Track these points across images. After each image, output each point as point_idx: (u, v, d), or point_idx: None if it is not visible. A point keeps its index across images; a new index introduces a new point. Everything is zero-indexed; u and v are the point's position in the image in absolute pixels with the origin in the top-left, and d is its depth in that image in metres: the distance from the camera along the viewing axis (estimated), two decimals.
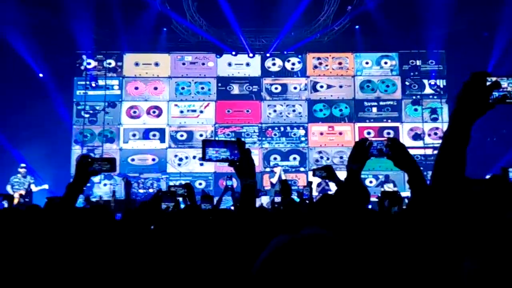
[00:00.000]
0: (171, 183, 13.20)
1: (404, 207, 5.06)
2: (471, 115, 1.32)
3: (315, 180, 11.48)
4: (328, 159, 13.85)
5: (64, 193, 2.30)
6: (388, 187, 12.41)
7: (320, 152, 13.96)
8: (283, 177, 11.96)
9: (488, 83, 1.33)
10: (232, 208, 7.78)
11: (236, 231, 1.90)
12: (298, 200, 6.02)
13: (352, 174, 2.20)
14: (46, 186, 11.09)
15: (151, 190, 13.14)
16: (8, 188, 10.86)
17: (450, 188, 1.33)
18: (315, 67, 14.40)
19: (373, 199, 8.66)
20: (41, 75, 13.40)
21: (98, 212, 2.32)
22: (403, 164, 2.04)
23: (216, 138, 13.51)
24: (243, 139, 11.62)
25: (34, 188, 11.00)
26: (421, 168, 1.99)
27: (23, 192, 10.68)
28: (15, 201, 9.74)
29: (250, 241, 1.95)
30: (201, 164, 13.56)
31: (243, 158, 2.01)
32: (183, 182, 13.11)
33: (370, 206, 7.37)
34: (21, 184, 10.98)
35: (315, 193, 10.90)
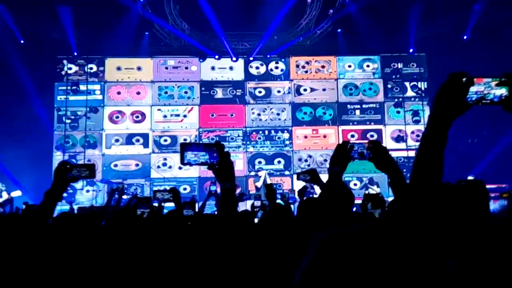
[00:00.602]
0: (155, 189, 13.09)
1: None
2: (449, 116, 1.32)
3: (300, 184, 11.48)
4: (312, 162, 13.88)
5: (42, 200, 2.24)
6: (373, 190, 12.49)
7: (305, 156, 13.98)
8: (268, 181, 11.95)
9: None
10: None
11: (217, 235, 1.88)
12: (282, 203, 6.01)
13: (334, 177, 2.19)
14: (19, 193, 10.78)
15: (132, 197, 12.99)
16: None
17: (428, 189, 1.33)
18: (298, 70, 14.46)
19: (358, 201, 8.71)
20: (21, 80, 13.15)
21: (84, 219, 2.27)
22: (384, 166, 2.05)
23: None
24: (227, 143, 11.58)
25: (5, 195, 10.67)
26: (404, 170, 2.00)
27: None
28: None
29: (233, 245, 1.92)
30: (180, 168, 13.45)
31: (222, 161, 1.98)
32: (168, 187, 13.00)
33: (354, 209, 7.40)
34: None
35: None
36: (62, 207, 11.64)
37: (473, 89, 1.35)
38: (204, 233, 2.15)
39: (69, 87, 13.72)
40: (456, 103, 1.31)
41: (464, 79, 1.33)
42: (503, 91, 1.34)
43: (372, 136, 14.06)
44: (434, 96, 1.37)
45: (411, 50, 14.22)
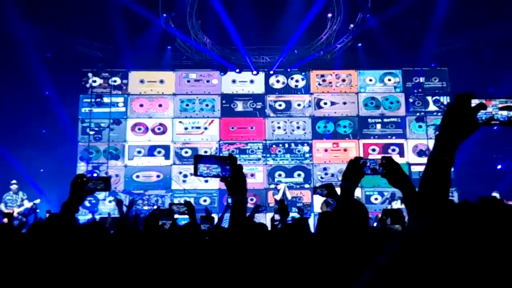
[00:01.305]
0: (171, 201, 13.22)
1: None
2: (456, 137, 1.33)
3: (319, 198, 11.43)
4: (332, 175, 13.82)
5: (59, 212, 2.32)
6: (396, 204, 12.32)
7: (324, 169, 13.93)
8: (288, 194, 11.94)
9: (473, 105, 1.34)
10: None
11: (229, 248, 1.90)
12: (298, 216, 5.99)
13: (346, 192, 2.20)
14: (38, 201, 11.03)
15: (155, 207, 13.12)
16: (2, 206, 10.77)
17: (434, 208, 1.35)
18: (319, 84, 14.47)
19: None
20: (46, 92, 13.54)
21: (93, 229, 2.33)
22: (397, 183, 2.05)
23: (221, 155, 13.54)
24: (247, 155, 11.63)
25: (27, 203, 10.91)
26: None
27: (18, 210, 10.57)
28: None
29: (244, 258, 1.95)
30: (206, 181, 13.54)
31: (234, 174, 2.00)
32: (183, 200, 13.12)
33: (375, 224, 7.33)
34: (13, 201, 10.89)
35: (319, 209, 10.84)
36: (85, 217, 11.88)
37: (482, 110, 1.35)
38: (218, 247, 2.18)
39: (93, 99, 14.02)
40: (464, 124, 1.32)
41: (472, 100, 1.34)
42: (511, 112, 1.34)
43: (393, 150, 13.94)
44: (442, 116, 1.38)
45: (433, 64, 14.11)
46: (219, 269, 1.91)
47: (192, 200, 13.23)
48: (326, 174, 13.88)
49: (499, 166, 13.25)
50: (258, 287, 1.94)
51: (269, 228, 5.16)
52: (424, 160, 13.63)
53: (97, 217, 11.87)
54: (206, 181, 13.51)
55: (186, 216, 4.07)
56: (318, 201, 11.68)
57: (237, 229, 1.90)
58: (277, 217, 5.79)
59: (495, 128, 1.40)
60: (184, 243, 2.08)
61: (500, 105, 1.35)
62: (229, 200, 6.03)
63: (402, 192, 2.02)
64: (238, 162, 2.03)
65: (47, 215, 7.73)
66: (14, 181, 11.14)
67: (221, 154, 13.67)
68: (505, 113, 1.35)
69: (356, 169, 2.20)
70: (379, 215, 7.89)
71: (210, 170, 2.00)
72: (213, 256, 2.05)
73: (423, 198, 1.36)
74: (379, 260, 0.79)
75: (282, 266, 2.14)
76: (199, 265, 1.98)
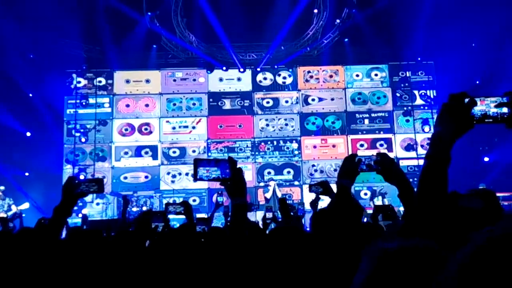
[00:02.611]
0: (165, 201, 13.11)
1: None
2: (452, 136, 1.33)
3: (312, 195, 11.42)
4: (322, 172, 13.82)
5: (51, 216, 2.23)
6: (378, 201, 12.35)
7: (313, 165, 13.93)
8: (278, 192, 11.90)
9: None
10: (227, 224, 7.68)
11: (228, 252, 1.85)
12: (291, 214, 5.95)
13: (342, 190, 2.18)
14: (27, 205, 10.80)
15: (144, 208, 13.00)
16: None
17: (434, 207, 1.34)
18: (306, 80, 14.46)
19: (369, 211, 8.62)
20: (30, 94, 13.31)
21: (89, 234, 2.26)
22: (393, 178, 2.05)
23: (209, 154, 13.47)
24: (236, 154, 11.56)
25: (14, 208, 10.68)
26: (414, 179, 2.01)
27: (4, 215, 10.32)
28: None
29: (244, 261, 1.89)
30: (195, 181, 13.42)
31: (234, 177, 1.98)
32: (177, 199, 12.97)
33: (365, 220, 7.32)
34: (0, 207, 10.69)
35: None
36: (74, 220, 11.72)
37: (476, 108, 1.36)
38: (215, 249, 2.13)
39: (78, 101, 13.81)
40: (459, 123, 1.32)
41: (466, 99, 1.34)
42: (504, 110, 1.35)
43: (381, 145, 13.99)
44: (437, 116, 1.38)
45: (419, 59, 14.18)
46: (217, 271, 1.85)
47: (180, 200, 13.18)
48: (315, 170, 13.88)
49: (486, 159, 13.37)
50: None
51: (261, 227, 5.11)
52: (412, 154, 13.73)
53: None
54: (195, 180, 13.37)
55: (182, 217, 4.00)
56: (309, 199, 11.67)
57: (239, 232, 1.86)
58: (268, 215, 5.74)
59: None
60: (180, 245, 2.02)
61: (493, 104, 1.36)
62: (219, 199, 5.96)
63: (397, 187, 2.01)
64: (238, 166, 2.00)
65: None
66: (1, 187, 10.90)
67: (209, 153, 13.60)
68: (498, 111, 1.36)
69: (351, 166, 2.17)
70: (367, 211, 7.90)
71: (210, 173, 1.97)
72: (211, 258, 2.00)
73: (422, 197, 1.35)
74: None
75: (279, 266, 2.09)
76: (197, 268, 1.92)
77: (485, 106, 1.36)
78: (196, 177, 1.99)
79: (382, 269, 0.91)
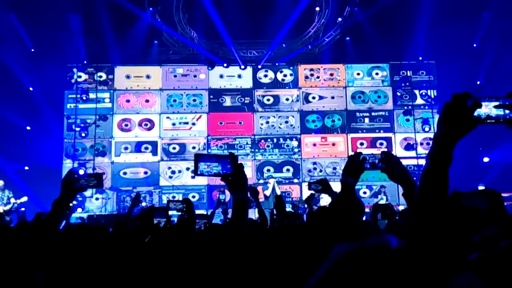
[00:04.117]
0: (165, 197, 13.12)
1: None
2: (454, 136, 1.33)
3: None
4: (321, 170, 13.83)
5: (50, 209, 2.23)
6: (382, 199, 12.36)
7: (313, 163, 13.93)
8: (277, 189, 11.90)
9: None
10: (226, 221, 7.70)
11: (228, 247, 1.86)
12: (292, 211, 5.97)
13: (347, 188, 2.17)
14: (25, 198, 10.78)
15: (143, 204, 13.00)
16: None
17: (434, 207, 1.35)
18: (307, 78, 14.45)
19: (367, 210, 8.63)
20: (31, 88, 13.31)
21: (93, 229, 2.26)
22: (397, 177, 2.05)
23: (209, 151, 13.47)
24: (236, 151, 11.56)
25: (13, 201, 10.67)
26: (414, 178, 2.00)
27: (4, 208, 10.30)
28: None
29: (245, 256, 1.90)
30: (193, 177, 13.41)
31: (235, 172, 1.98)
32: (176, 195, 12.94)
33: (364, 218, 7.34)
34: (0, 199, 10.66)
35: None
36: (79, 214, 11.76)
37: (479, 109, 1.36)
38: (216, 244, 2.13)
39: (78, 95, 13.79)
40: (462, 123, 1.32)
41: (469, 100, 1.34)
42: (506, 111, 1.35)
43: (381, 144, 13.99)
44: (439, 116, 1.38)
45: (420, 58, 14.17)
46: (217, 268, 1.86)
47: (180, 197, 13.18)
48: (315, 168, 13.88)
49: (486, 159, 13.37)
50: (255, 285, 1.90)
51: (269, 223, 5.14)
52: (412, 153, 13.73)
53: (85, 215, 11.74)
54: (193, 177, 13.41)
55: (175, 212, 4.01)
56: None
57: (240, 226, 1.87)
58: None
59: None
60: (180, 241, 2.02)
61: (495, 104, 1.36)
62: (221, 197, 5.97)
63: (402, 186, 2.00)
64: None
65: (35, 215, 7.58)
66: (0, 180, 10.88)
67: (209, 150, 13.61)
68: (500, 112, 1.36)
69: (356, 164, 2.17)
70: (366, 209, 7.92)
71: (211, 168, 1.98)
72: (210, 254, 2.01)
73: (423, 197, 1.36)
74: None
75: (279, 263, 2.09)
76: (197, 263, 1.93)
77: (488, 109, 1.36)
78: (196, 172, 2.00)
79: (335, 270, 0.92)
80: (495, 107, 1.35)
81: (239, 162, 2.02)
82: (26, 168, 13.07)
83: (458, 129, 1.33)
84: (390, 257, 0.93)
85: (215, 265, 1.91)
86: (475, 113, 1.33)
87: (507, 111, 1.35)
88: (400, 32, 13.08)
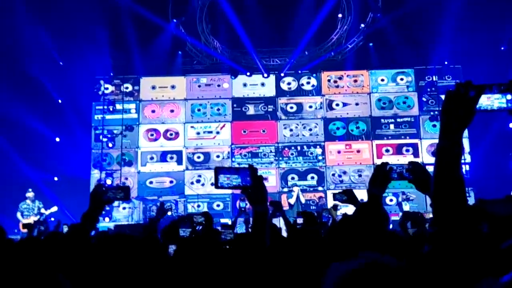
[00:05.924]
0: (190, 206, 13.22)
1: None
2: (460, 124, 1.30)
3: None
4: (342, 178, 13.69)
5: (79, 222, 2.29)
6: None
7: (338, 171, 13.81)
8: (302, 197, 11.85)
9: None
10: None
11: (249, 260, 1.87)
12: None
13: (374, 199, 2.16)
14: (55, 208, 10.94)
15: (169, 213, 13.11)
16: (18, 215, 10.59)
17: (453, 209, 1.31)
18: (330, 85, 14.38)
19: (393, 217, 8.49)
20: (59, 101, 13.68)
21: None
22: (425, 187, 2.01)
23: (233, 159, 13.53)
24: (259, 159, 11.54)
25: (43, 211, 10.83)
26: None
27: (35, 218, 10.49)
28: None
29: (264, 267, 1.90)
30: (216, 188, 13.42)
31: (255, 184, 1.99)
32: (201, 205, 13.00)
33: (391, 226, 7.22)
34: (30, 210, 10.79)
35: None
36: (106, 223, 11.96)
37: (481, 101, 1.35)
38: (240, 256, 2.14)
39: (105, 106, 14.07)
40: (466, 111, 1.30)
41: (471, 88, 1.33)
42: (508, 97, 1.34)
43: (407, 150, 13.77)
44: (442, 106, 1.36)
45: (446, 62, 13.93)
46: (240, 278, 1.86)
47: (205, 205, 13.26)
48: (339, 176, 13.76)
49: None
50: None
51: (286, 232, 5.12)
52: None
53: (111, 224, 11.91)
54: (216, 188, 13.39)
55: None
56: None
57: (260, 238, 1.87)
58: (299, 221, 5.69)
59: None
60: (204, 251, 2.04)
61: (495, 95, 1.35)
62: (242, 205, 6.00)
63: (430, 197, 1.97)
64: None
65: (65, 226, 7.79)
66: (30, 190, 11.10)
67: (233, 159, 13.65)
68: (504, 99, 1.35)
69: (383, 174, 2.15)
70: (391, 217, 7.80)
71: (231, 180, 2.00)
72: (235, 265, 2.02)
73: (438, 199, 1.32)
74: None
75: (297, 273, 2.09)
76: (219, 274, 1.94)
77: (490, 101, 1.35)
78: (217, 185, 2.02)
79: None
80: (501, 91, 1.32)
81: (260, 172, 2.03)
82: (56, 178, 13.37)
83: (463, 117, 1.31)
84: (390, 276, 0.93)
85: (236, 275, 1.92)
86: (478, 107, 1.33)
87: (508, 97, 1.32)
88: (424, 36, 12.91)
